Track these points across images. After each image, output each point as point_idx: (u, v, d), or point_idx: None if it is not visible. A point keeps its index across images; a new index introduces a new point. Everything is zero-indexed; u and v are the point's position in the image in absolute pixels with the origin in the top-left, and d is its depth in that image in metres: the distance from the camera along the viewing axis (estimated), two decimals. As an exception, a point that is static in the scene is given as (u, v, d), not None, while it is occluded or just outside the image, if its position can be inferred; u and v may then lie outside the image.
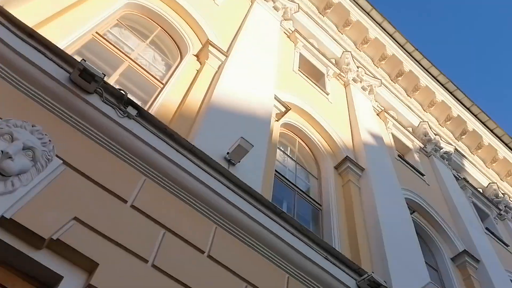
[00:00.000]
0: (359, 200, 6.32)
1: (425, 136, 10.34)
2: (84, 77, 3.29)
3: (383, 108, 9.78)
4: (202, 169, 3.68)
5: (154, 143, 3.43)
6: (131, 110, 3.41)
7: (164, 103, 4.65)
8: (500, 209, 10.74)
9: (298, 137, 6.94)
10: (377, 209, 5.99)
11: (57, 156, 2.87)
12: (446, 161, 10.36)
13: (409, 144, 9.82)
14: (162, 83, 5.06)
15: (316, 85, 8.22)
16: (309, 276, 3.84)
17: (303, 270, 3.82)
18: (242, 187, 3.85)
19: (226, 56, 5.91)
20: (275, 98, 6.17)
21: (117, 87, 3.58)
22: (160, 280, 2.82)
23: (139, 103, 4.11)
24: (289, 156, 6.60)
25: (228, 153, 4.26)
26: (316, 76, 8.71)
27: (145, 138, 3.40)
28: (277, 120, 6.27)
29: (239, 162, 4.29)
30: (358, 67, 9.67)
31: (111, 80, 4.58)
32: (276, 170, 5.69)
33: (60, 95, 3.26)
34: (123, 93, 3.41)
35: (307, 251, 3.92)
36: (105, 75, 3.34)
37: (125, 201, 3.02)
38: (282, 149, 6.53)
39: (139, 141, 3.35)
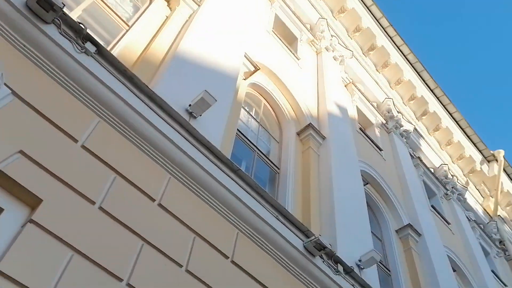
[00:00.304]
0: (316, 167, 6.43)
1: (388, 112, 10.56)
2: (42, 5, 3.06)
3: (351, 80, 9.85)
4: (161, 118, 3.59)
5: (112, 84, 3.29)
6: (89, 47, 3.23)
7: (128, 46, 4.45)
8: (447, 190, 11.29)
9: (264, 99, 6.90)
10: (333, 178, 6.14)
11: (5, 84, 2.70)
12: (405, 139, 10.68)
13: (372, 118, 10.01)
14: (128, 25, 4.82)
15: (288, 48, 8.12)
16: (259, 233, 3.91)
17: (253, 227, 3.88)
18: (200, 141, 3.80)
19: (198, 6, 5.69)
20: (245, 56, 6.05)
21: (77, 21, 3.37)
22: (106, 223, 2.78)
23: (101, 42, 3.90)
24: (253, 117, 6.57)
25: (190, 105, 4.17)
26: (289, 40, 8.60)
27: (103, 78, 3.24)
28: (244, 79, 6.18)
29: (201, 115, 4.22)
30: (332, 36, 9.60)
31: (73, 15, 4.31)
32: (238, 129, 5.67)
33: (15, 21, 3.03)
34: (83, 27, 3.21)
35: (259, 210, 3.97)
36: (64, 5, 3.12)
37: (76, 141, 2.91)
38: (247, 109, 6.49)
39: (95, 80, 3.20)
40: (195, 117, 4.17)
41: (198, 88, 4.30)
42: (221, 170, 3.82)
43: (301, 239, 4.24)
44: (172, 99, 3.86)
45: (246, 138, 5.92)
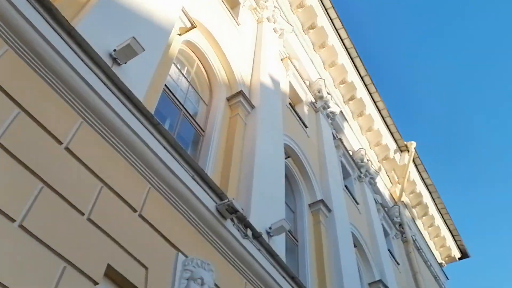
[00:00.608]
0: (242, 135, 6.47)
1: (319, 92, 10.85)
2: None
3: (287, 55, 9.93)
4: (80, 58, 3.35)
5: (25, 11, 2.97)
6: (2, -36, 2.87)
7: (52, -26, 4.03)
8: (361, 172, 12.02)
9: (198, 59, 6.72)
10: (256, 147, 6.22)
11: None
12: (330, 120, 11.09)
13: (302, 95, 10.23)
14: (55, -48, 4.37)
15: (229, 11, 7.93)
16: (172, 191, 3.86)
17: (167, 184, 3.83)
18: (121, 88, 3.62)
19: None
20: (182, 10, 5.81)
21: None
22: (2, 160, 2.56)
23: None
24: (184, 75, 6.39)
25: (114, 50, 3.94)
26: (231, 3, 8.39)
27: (16, 2, 2.92)
28: (179, 34, 5.96)
29: (125, 63, 4.02)
30: (275, 7, 9.54)
31: None
32: (166, 85, 5.49)
33: None
34: None
35: (175, 167, 3.91)
36: None
37: (-25, 66, 2.62)
38: (178, 66, 6.29)
39: (7, 3, 2.87)
40: (119, 64, 3.96)
41: (126, 34, 4.07)
42: (139, 121, 3.68)
43: (214, 201, 4.27)
44: (95, 41, 3.61)
45: (174, 96, 5.76)
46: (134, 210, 3.41)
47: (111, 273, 3.01)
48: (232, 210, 4.26)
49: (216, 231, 4.16)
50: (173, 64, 5.81)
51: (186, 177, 4.01)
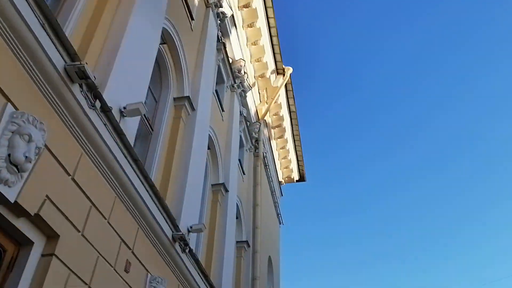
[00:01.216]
0: (116, 4, 5.84)
1: (214, -13, 10.28)
2: None
3: None
4: None
5: None
6: None
7: None
8: (235, 82, 12.19)
9: None
10: (130, 20, 5.72)
11: None
12: (219, 20, 10.72)
13: (196, -15, 9.57)
14: None
15: None
16: (14, 34, 3.31)
17: (10, 25, 3.26)
18: None
19: None
20: None
21: None
22: None
23: None
24: None
25: None
26: None
27: None
28: None
29: None
30: None
31: None
32: None
33: None
34: None
35: (23, 8, 3.34)
36: None
37: None
38: None
39: None
40: None
41: None
42: None
43: (64, 60, 3.84)
44: None
45: None
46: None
47: None
48: (83, 76, 3.91)
49: (59, 92, 3.80)
50: None
51: (35, 24, 3.47)
